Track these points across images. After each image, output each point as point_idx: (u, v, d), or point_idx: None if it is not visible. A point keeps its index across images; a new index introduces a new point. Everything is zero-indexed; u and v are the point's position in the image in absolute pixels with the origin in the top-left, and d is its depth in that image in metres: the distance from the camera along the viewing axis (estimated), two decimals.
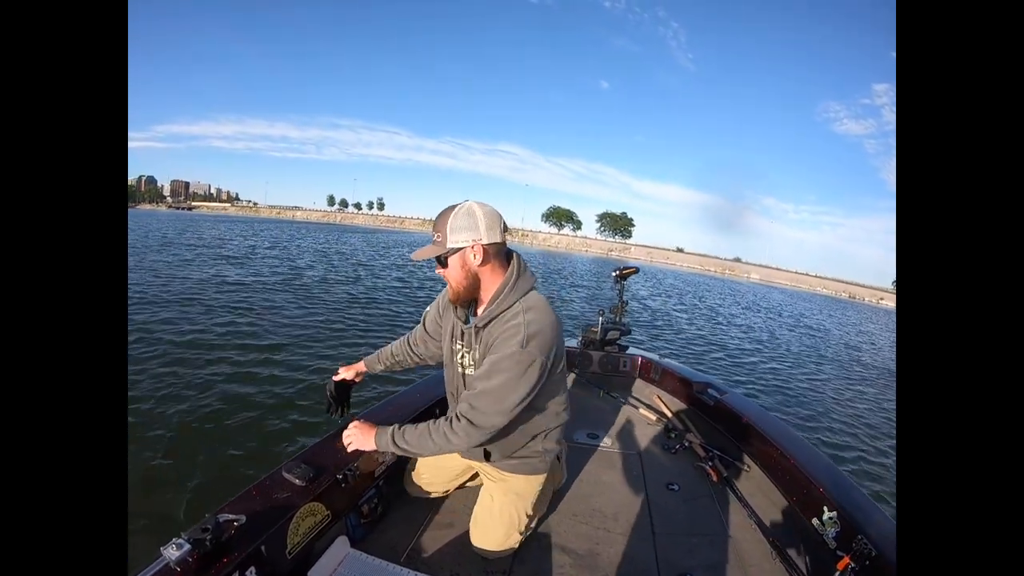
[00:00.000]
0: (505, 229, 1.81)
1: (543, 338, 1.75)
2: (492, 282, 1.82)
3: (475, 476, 2.39)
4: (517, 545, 2.10)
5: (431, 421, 1.86)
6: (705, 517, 2.49)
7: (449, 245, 1.74)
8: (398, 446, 1.88)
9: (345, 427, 2.15)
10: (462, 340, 1.97)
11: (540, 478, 2.11)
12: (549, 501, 2.36)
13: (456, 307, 1.96)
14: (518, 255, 1.88)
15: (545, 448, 2.05)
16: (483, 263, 1.77)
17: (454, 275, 1.80)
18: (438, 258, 1.80)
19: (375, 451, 2.06)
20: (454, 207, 1.76)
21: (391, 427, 1.93)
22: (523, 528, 2.10)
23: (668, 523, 2.40)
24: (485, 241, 1.73)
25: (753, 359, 11.02)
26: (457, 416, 1.79)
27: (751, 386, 8.41)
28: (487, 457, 2.05)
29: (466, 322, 1.95)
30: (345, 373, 2.31)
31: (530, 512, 2.11)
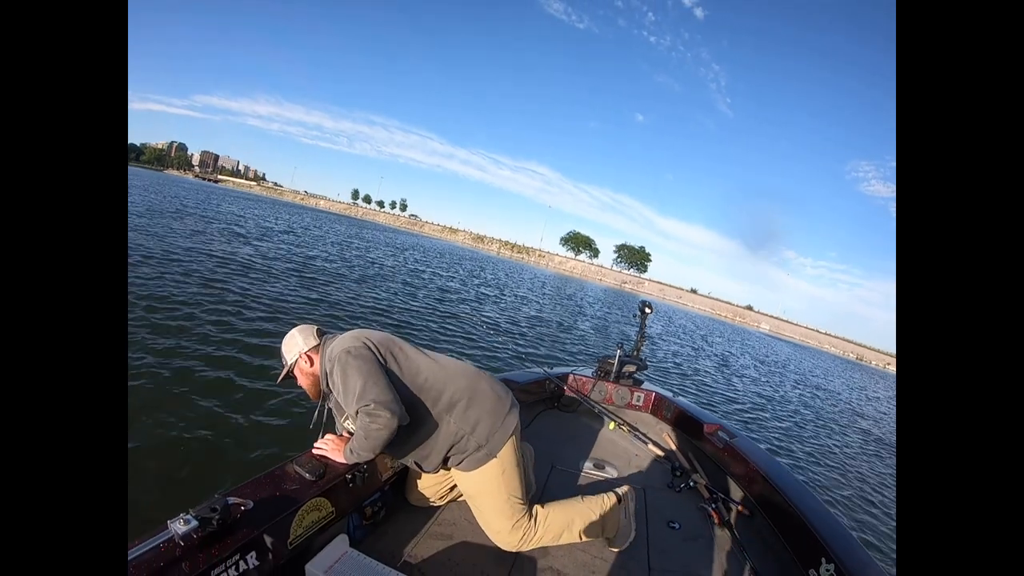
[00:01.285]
0: (319, 333, 2.25)
1: (340, 343, 2.11)
2: (320, 361, 2.19)
3: None
4: (523, 532, 2.21)
5: (357, 426, 2.05)
6: (703, 559, 2.47)
7: (288, 362, 2.20)
8: (354, 453, 2.09)
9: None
10: (337, 412, 2.28)
11: (491, 466, 2.19)
12: (532, 483, 2.47)
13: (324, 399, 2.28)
14: (324, 337, 2.25)
15: (477, 443, 2.17)
16: (312, 363, 2.19)
17: (303, 382, 2.23)
18: (289, 376, 2.24)
19: (385, 457, 2.32)
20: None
21: (350, 440, 2.13)
22: (516, 514, 2.22)
23: (665, 560, 2.38)
24: (306, 349, 2.18)
25: (763, 414, 10.89)
26: (360, 415, 1.99)
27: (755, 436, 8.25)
28: (422, 469, 2.26)
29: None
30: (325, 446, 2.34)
31: (515, 495, 2.23)
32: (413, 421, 2.10)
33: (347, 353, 2.03)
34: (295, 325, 2.27)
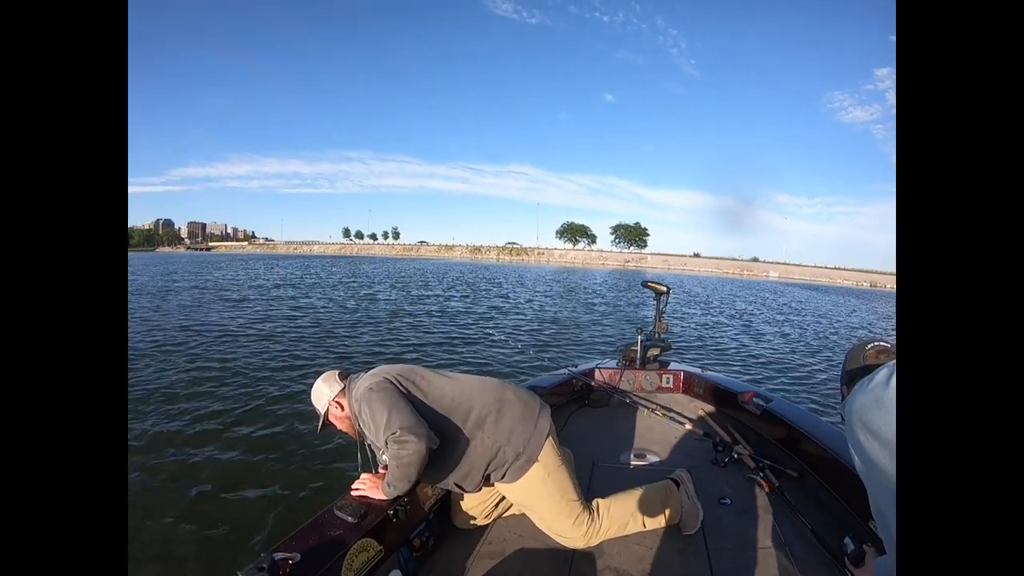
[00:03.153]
0: (343, 375, 2.32)
1: (362, 382, 2.17)
2: (350, 404, 2.24)
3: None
4: (587, 527, 2.22)
5: (388, 457, 2.09)
6: (760, 530, 2.44)
7: (321, 412, 2.29)
8: (391, 487, 2.10)
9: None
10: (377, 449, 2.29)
11: (535, 471, 2.19)
12: (574, 476, 2.40)
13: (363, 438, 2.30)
14: (348, 379, 2.31)
15: (515, 451, 2.17)
16: (342, 408, 2.26)
17: (338, 425, 2.32)
18: (326, 424, 2.33)
19: (426, 485, 2.32)
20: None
21: (386, 475, 2.14)
22: (575, 511, 2.23)
23: (722, 539, 2.36)
24: (333, 396, 2.26)
25: (801, 369, 10.53)
26: (389, 446, 2.03)
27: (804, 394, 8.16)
28: (464, 491, 2.28)
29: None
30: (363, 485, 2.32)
31: (567, 493, 2.24)
32: (447, 443, 2.12)
33: (369, 390, 2.08)
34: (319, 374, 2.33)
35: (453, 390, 2.22)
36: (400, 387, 2.14)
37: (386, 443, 2.02)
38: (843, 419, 1.62)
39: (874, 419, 1.40)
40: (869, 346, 1.71)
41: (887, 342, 1.72)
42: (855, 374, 1.67)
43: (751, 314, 20.22)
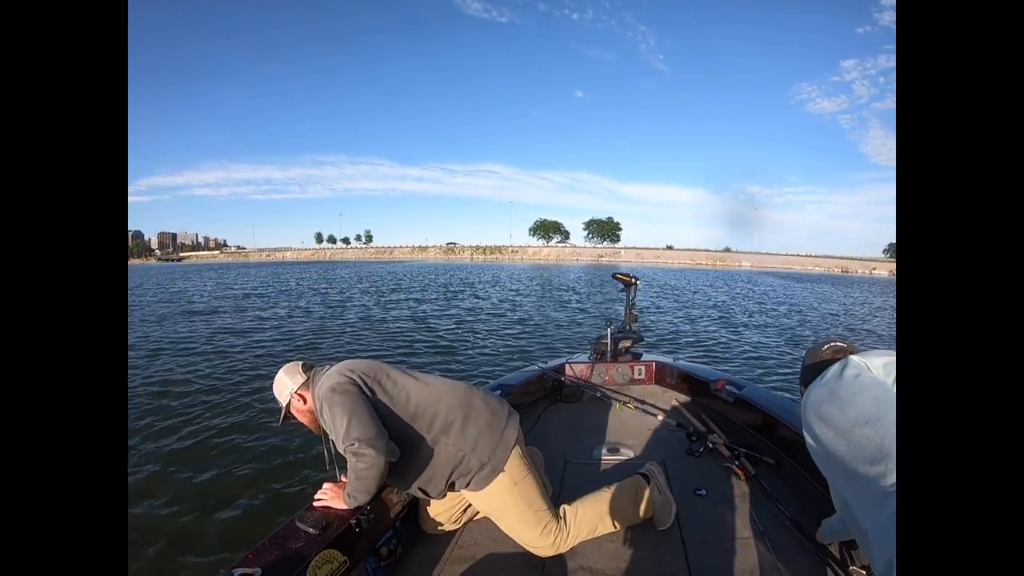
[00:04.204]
0: (306, 367, 2.26)
1: (328, 377, 2.12)
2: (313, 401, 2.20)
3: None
4: (554, 536, 2.16)
5: (347, 468, 2.06)
6: (737, 520, 2.41)
7: (282, 404, 2.23)
8: (351, 497, 2.08)
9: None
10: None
11: (500, 481, 2.15)
12: (548, 485, 2.41)
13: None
14: (314, 371, 2.27)
15: (479, 461, 2.13)
16: (305, 400, 2.20)
17: (300, 418, 2.26)
18: (288, 417, 2.28)
19: (391, 492, 2.30)
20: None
21: (348, 485, 2.11)
22: (542, 520, 2.17)
23: (699, 531, 2.33)
24: (295, 388, 2.19)
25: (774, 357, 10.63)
26: (348, 456, 2.02)
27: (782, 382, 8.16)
28: (428, 495, 2.23)
29: None
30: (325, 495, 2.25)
31: (534, 503, 2.18)
32: (410, 448, 2.10)
33: (332, 391, 2.03)
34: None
35: (419, 393, 2.16)
36: (364, 387, 2.09)
37: (343, 448, 1.99)
38: (801, 415, 1.70)
39: (829, 410, 1.52)
40: (826, 346, 1.78)
41: (843, 341, 1.80)
42: (812, 372, 1.76)
43: (727, 305, 20.29)
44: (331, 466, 2.33)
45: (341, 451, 2.04)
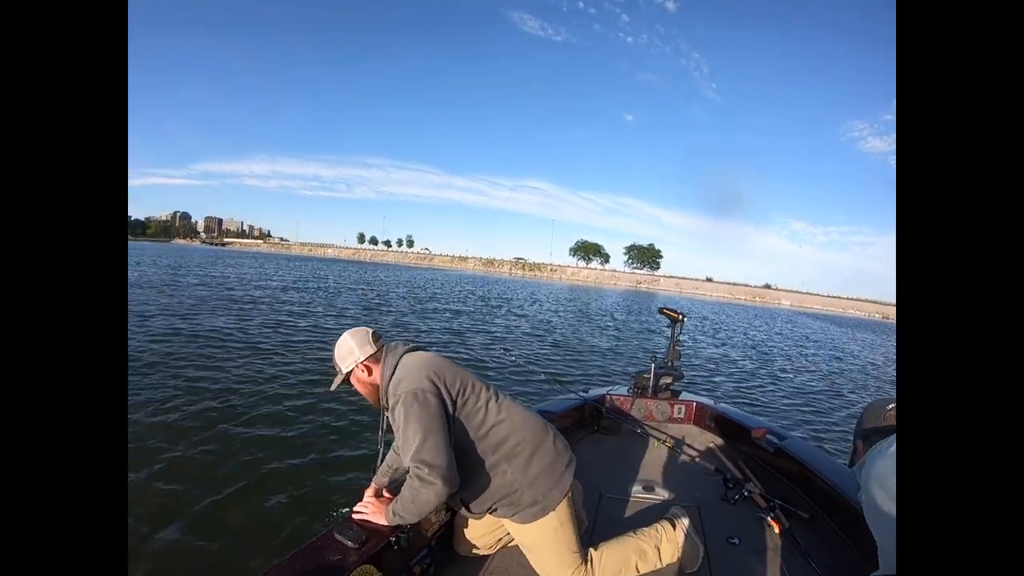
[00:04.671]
0: (374, 338, 2.18)
1: (409, 376, 2.02)
2: (381, 378, 2.12)
3: None
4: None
5: (404, 486, 2.00)
6: (768, 572, 2.40)
7: (343, 371, 2.14)
8: (397, 516, 2.02)
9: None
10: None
11: (548, 520, 2.12)
12: (584, 519, 2.38)
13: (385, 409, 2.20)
14: (384, 344, 2.21)
15: (533, 497, 2.10)
16: (370, 372, 2.13)
17: (360, 389, 2.19)
18: (345, 382, 2.19)
19: (433, 511, 2.14)
20: (338, 341, 2.19)
21: (392, 502, 2.08)
22: (575, 563, 2.17)
23: None
24: (362, 358, 2.12)
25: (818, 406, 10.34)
26: (410, 476, 1.95)
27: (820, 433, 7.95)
28: (466, 507, 2.20)
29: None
30: (366, 509, 2.24)
31: (571, 546, 2.17)
32: (468, 465, 2.06)
33: (413, 396, 1.95)
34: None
35: (496, 416, 2.12)
36: (447, 399, 2.02)
37: (409, 464, 1.94)
38: (859, 478, 1.65)
39: (894, 484, 1.42)
40: (889, 406, 1.71)
41: None
42: (872, 433, 1.70)
43: (766, 344, 19.91)
44: (383, 446, 2.34)
45: (403, 460, 2.01)
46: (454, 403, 2.03)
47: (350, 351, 2.12)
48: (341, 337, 2.18)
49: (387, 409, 2.10)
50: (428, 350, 2.24)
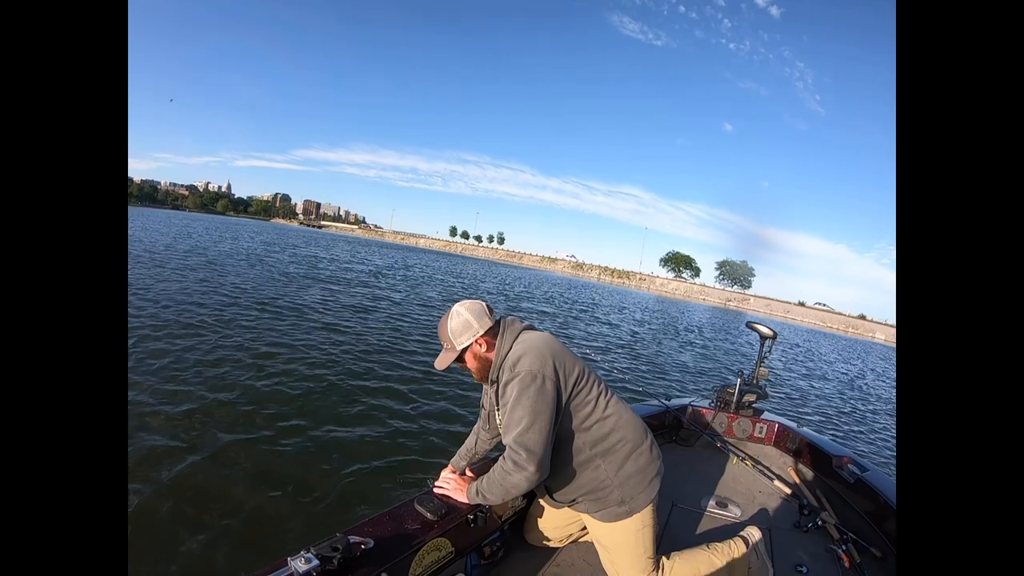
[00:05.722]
0: (490, 310, 2.12)
1: (531, 355, 1.96)
2: (496, 352, 2.07)
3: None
4: None
5: (495, 467, 2.01)
6: None
7: (460, 347, 2.06)
8: (481, 495, 2.07)
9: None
10: (496, 405, 2.15)
11: (632, 522, 2.12)
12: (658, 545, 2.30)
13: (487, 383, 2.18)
14: (501, 317, 2.16)
15: (621, 497, 2.10)
16: (488, 348, 2.07)
17: (472, 365, 2.11)
18: (460, 359, 2.10)
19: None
20: (447, 317, 2.10)
21: (477, 480, 2.12)
22: (648, 568, 2.16)
23: None
24: (482, 332, 2.05)
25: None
26: (505, 457, 1.97)
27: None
28: (550, 494, 2.22)
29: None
30: (447, 484, 2.31)
31: (648, 551, 2.16)
32: (564, 453, 2.07)
33: (532, 377, 1.92)
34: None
35: (603, 411, 2.09)
36: (562, 385, 1.99)
37: (509, 443, 1.95)
38: None
39: None
40: None
41: None
42: None
43: (858, 382, 18.98)
44: (487, 423, 2.34)
45: (503, 437, 2.00)
46: (568, 392, 2.00)
47: (467, 325, 2.05)
48: (452, 310, 2.10)
49: (494, 383, 2.09)
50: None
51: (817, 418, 10.36)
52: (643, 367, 12.16)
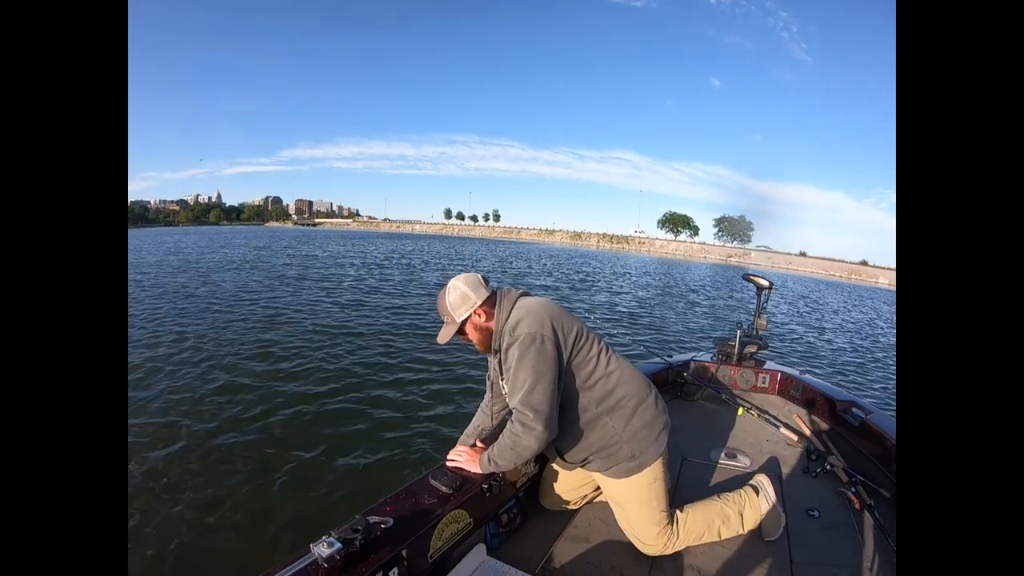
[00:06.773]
0: (486, 281, 2.14)
1: (529, 318, 1.99)
2: (496, 321, 2.09)
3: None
4: (667, 538, 2.20)
5: (504, 431, 2.05)
6: (846, 547, 2.39)
7: (459, 319, 2.08)
8: (493, 462, 2.08)
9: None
10: (500, 373, 2.17)
11: (643, 476, 2.16)
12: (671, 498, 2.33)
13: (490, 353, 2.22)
14: (497, 287, 2.17)
15: (631, 452, 2.13)
16: (487, 318, 2.10)
17: (473, 336, 2.14)
18: (460, 331, 2.12)
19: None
20: (444, 291, 2.12)
21: (488, 449, 2.14)
22: (663, 521, 2.20)
23: (807, 552, 2.33)
24: (479, 302, 2.07)
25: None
26: (513, 420, 2.01)
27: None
28: (561, 456, 2.24)
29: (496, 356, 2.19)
30: (460, 457, 2.32)
31: (662, 504, 2.20)
32: (570, 414, 2.09)
33: (531, 339, 1.95)
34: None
35: (605, 368, 2.12)
36: (562, 346, 2.02)
37: (516, 406, 1.98)
38: None
39: None
40: None
41: None
42: None
43: (866, 330, 18.93)
44: (493, 392, 2.36)
45: (509, 401, 2.03)
46: (569, 351, 2.03)
47: (465, 297, 2.07)
48: (449, 285, 2.12)
49: (496, 352, 2.13)
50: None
51: (832, 372, 10.39)
52: (648, 332, 12.23)
